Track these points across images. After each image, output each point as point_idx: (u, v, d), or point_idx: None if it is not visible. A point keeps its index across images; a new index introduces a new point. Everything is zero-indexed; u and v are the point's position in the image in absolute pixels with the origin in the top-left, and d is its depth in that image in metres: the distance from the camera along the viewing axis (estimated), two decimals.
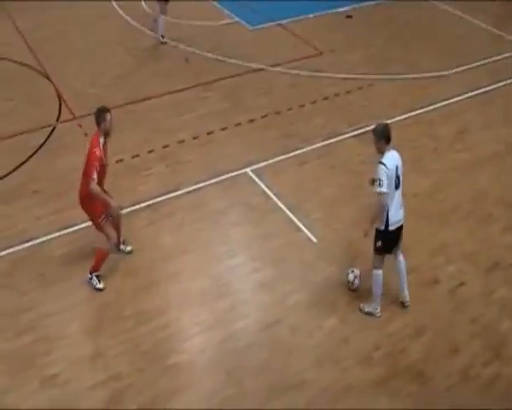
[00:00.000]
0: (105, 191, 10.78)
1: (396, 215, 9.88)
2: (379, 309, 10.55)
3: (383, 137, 9.59)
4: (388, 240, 10.05)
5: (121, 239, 11.54)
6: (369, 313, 10.57)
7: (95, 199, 10.43)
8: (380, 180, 9.48)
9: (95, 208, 10.63)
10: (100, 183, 10.45)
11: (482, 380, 9.62)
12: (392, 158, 9.65)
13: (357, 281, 10.89)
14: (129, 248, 11.71)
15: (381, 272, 10.25)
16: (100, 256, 10.86)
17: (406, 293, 10.66)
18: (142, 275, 11.29)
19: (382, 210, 9.69)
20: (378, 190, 9.51)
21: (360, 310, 10.63)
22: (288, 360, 9.89)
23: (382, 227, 9.86)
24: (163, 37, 19.36)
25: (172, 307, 10.75)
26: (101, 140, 10.45)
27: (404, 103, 16.34)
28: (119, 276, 11.26)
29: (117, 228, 11.19)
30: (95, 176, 10.18)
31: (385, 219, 9.79)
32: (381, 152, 9.67)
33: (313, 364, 9.83)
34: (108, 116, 10.40)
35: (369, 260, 10.85)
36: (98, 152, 10.27)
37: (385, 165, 9.51)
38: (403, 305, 10.72)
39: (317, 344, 10.14)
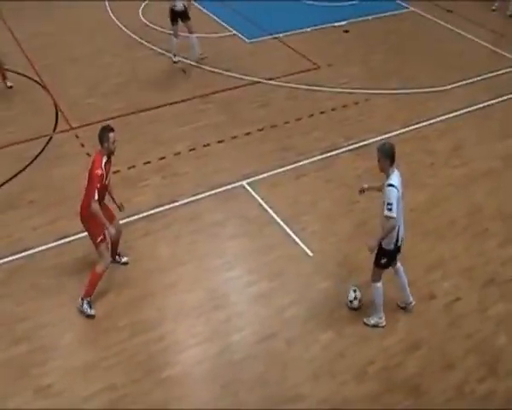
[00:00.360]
0: (113, 200, 10.93)
1: (401, 231, 9.98)
2: (383, 318, 10.61)
3: (389, 157, 9.59)
4: (393, 256, 10.17)
5: (117, 250, 11.54)
6: (374, 326, 10.60)
7: (95, 218, 10.30)
8: (391, 204, 9.50)
9: (94, 227, 10.51)
10: (101, 199, 10.42)
11: (477, 396, 9.61)
12: (397, 178, 9.69)
13: (356, 302, 10.86)
14: (124, 260, 11.69)
15: (381, 284, 10.32)
16: (94, 280, 10.64)
17: (410, 298, 10.80)
18: (138, 286, 11.27)
19: (393, 232, 9.74)
20: (389, 214, 9.52)
21: (365, 324, 10.64)
22: (283, 374, 9.87)
23: (392, 246, 9.93)
24: (175, 55, 19.11)
25: (168, 319, 10.73)
26: (104, 159, 10.29)
27: (401, 118, 16.37)
28: (114, 287, 11.22)
29: (115, 243, 11.20)
30: (96, 196, 10.11)
31: (395, 239, 9.87)
32: (384, 171, 9.71)
33: (309, 377, 9.81)
34: (112, 135, 10.25)
35: (364, 274, 11.02)
36: (100, 172, 10.14)
37: (395, 187, 9.56)
38: (406, 309, 10.88)
39: (313, 358, 10.14)
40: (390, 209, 9.51)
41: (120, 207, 11.05)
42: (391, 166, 9.66)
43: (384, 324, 10.60)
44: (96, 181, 10.11)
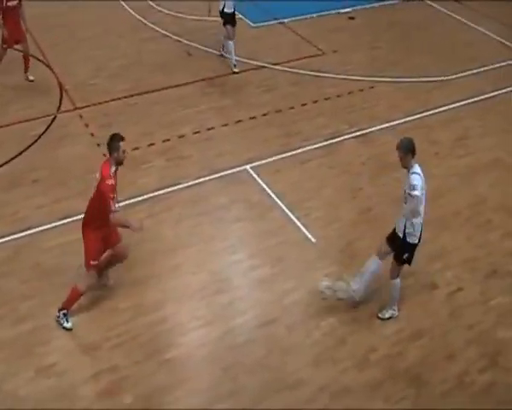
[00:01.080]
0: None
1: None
2: (397, 308, 10.62)
3: (410, 151, 9.48)
4: (414, 250, 10.06)
5: (108, 273, 10.99)
6: (389, 318, 10.60)
7: (94, 237, 9.94)
8: (414, 185, 9.35)
9: (92, 247, 10.03)
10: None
11: (477, 387, 9.66)
12: (420, 169, 9.58)
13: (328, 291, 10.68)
14: (110, 283, 11.02)
15: (399, 280, 10.32)
16: (74, 296, 10.19)
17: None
18: (141, 268, 11.27)
19: (415, 212, 9.65)
20: (413, 192, 9.35)
21: (380, 319, 10.60)
22: (284, 359, 9.91)
23: (416, 240, 9.88)
24: (235, 66, 17.79)
25: (171, 301, 10.76)
26: (113, 168, 9.67)
27: (406, 107, 16.35)
28: (117, 268, 11.11)
29: (114, 262, 10.70)
30: (113, 207, 9.49)
31: (419, 233, 9.82)
32: (407, 166, 9.58)
33: (310, 363, 9.85)
34: (122, 145, 9.60)
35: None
36: (111, 182, 9.50)
37: (418, 174, 9.47)
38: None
39: (314, 344, 10.17)
40: (413, 189, 9.35)
41: None
42: (413, 159, 9.50)
43: (397, 314, 10.63)
44: (110, 192, 9.51)
